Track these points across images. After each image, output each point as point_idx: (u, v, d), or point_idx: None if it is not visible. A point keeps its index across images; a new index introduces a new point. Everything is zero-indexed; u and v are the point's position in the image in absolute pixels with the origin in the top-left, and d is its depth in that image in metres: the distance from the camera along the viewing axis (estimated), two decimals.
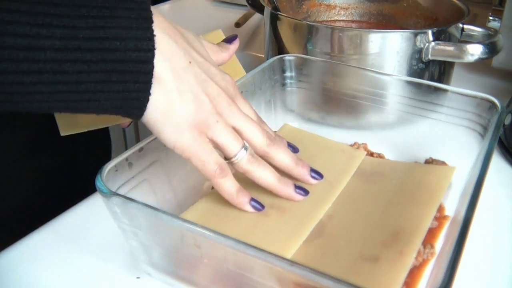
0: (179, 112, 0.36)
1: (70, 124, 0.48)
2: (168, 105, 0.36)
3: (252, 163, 0.40)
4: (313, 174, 0.45)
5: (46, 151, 0.60)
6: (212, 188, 0.48)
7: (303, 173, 0.44)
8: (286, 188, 0.43)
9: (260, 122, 0.44)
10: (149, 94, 0.35)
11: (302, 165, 0.44)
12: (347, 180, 0.48)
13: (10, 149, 0.57)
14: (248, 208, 0.41)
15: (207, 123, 0.38)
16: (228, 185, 0.40)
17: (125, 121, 0.50)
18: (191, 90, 0.37)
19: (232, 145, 0.39)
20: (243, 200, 0.41)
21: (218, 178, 0.39)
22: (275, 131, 0.46)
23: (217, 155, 0.39)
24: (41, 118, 0.58)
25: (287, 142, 0.46)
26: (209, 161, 0.38)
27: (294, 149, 0.47)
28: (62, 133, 0.48)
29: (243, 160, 0.40)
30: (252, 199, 0.41)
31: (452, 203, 0.45)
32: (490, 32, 0.63)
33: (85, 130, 0.48)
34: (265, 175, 0.41)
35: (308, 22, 0.62)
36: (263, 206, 0.42)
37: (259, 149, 0.41)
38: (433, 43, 0.59)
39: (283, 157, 0.43)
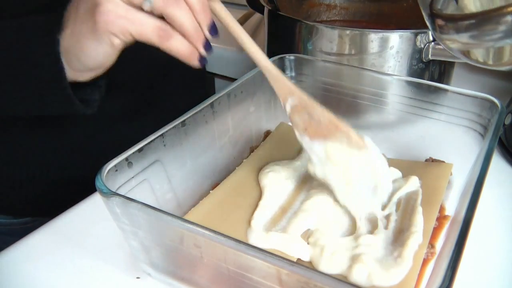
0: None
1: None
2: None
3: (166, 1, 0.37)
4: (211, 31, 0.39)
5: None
6: (213, 188, 0.48)
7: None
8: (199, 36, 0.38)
9: None
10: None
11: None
12: None
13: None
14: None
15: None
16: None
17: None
18: None
19: None
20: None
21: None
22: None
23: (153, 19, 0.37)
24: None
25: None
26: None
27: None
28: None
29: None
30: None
31: (452, 203, 0.45)
32: None
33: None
34: (182, 16, 0.37)
35: (308, 22, 0.62)
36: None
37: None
38: (433, 43, 0.59)
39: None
